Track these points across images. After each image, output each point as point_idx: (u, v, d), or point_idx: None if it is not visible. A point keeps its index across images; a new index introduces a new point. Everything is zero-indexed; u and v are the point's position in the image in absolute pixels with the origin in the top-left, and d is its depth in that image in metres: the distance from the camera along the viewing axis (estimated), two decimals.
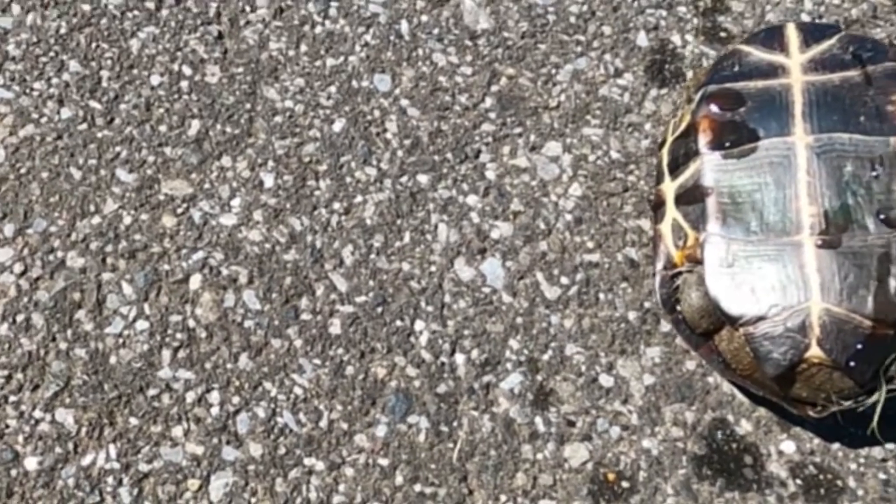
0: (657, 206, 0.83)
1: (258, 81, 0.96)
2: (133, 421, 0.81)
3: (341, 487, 0.79)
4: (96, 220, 0.88)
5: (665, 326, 0.86)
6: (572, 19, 1.01)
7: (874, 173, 0.73)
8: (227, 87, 0.95)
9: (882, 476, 0.81)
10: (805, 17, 1.02)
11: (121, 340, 0.83)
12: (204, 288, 0.86)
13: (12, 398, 0.81)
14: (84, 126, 0.92)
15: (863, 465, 0.82)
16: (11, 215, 0.88)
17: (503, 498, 0.79)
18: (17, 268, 0.86)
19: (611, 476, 0.81)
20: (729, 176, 0.77)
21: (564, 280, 0.88)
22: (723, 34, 1.01)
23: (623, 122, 0.96)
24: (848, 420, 0.81)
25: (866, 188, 0.73)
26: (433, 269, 0.88)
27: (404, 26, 1.00)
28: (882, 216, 0.72)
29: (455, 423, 0.82)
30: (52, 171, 0.90)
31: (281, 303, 0.86)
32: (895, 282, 0.71)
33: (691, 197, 0.79)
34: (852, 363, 0.70)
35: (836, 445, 0.82)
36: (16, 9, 0.97)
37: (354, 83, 0.96)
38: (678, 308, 0.80)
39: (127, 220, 0.88)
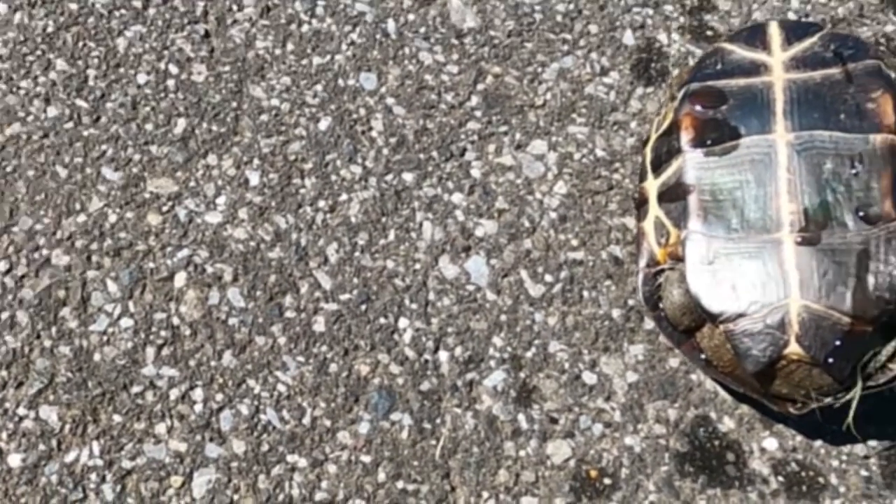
0: (640, 204, 0.83)
1: (244, 80, 0.96)
2: (117, 418, 0.81)
3: (324, 484, 0.79)
4: (82, 218, 0.89)
5: (649, 324, 0.86)
6: (559, 18, 1.01)
7: (854, 171, 0.73)
8: (214, 86, 0.95)
9: (864, 473, 0.81)
10: (792, 16, 1.02)
11: (105, 338, 0.84)
12: (188, 286, 0.86)
13: None
14: (70, 124, 0.93)
15: (845, 462, 0.82)
16: None
17: (485, 495, 0.80)
18: (2, 265, 0.86)
19: (593, 473, 0.81)
20: (710, 173, 0.77)
21: (549, 278, 0.88)
22: (709, 33, 1.01)
23: (609, 120, 0.96)
24: (830, 418, 0.81)
25: (846, 185, 0.73)
26: (417, 266, 0.88)
27: (391, 25, 1.00)
28: (861, 213, 0.72)
29: (438, 421, 0.82)
30: (38, 170, 0.91)
31: (265, 300, 0.86)
32: (873, 279, 0.71)
33: (673, 194, 0.79)
34: (831, 360, 0.70)
35: (818, 443, 0.82)
36: (3, 7, 0.98)
37: (340, 82, 0.97)
38: (661, 305, 0.80)
39: (112, 218, 0.89)
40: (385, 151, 0.93)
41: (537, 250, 0.90)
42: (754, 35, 0.83)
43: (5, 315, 0.84)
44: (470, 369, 0.84)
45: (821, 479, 0.81)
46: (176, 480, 0.79)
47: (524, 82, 0.98)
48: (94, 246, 0.87)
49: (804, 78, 0.78)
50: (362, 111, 0.95)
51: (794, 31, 0.81)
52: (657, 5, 1.02)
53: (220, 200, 0.90)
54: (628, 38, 1.01)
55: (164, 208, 0.90)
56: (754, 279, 0.73)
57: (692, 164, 0.78)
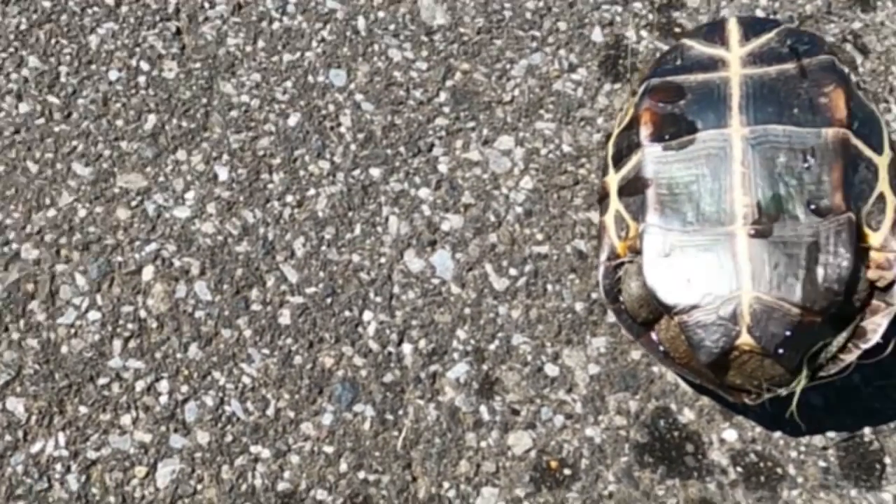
0: (602, 198, 0.84)
1: (215, 76, 0.97)
2: (83, 409, 0.82)
3: (286, 474, 0.80)
4: (51, 212, 0.90)
5: (611, 317, 0.87)
6: (528, 15, 1.02)
7: (806, 164, 0.74)
8: (184, 82, 0.97)
9: (822, 464, 0.82)
10: (760, 13, 1.03)
11: (72, 330, 0.85)
12: (156, 279, 0.87)
13: None
14: (42, 120, 0.94)
15: (803, 453, 0.83)
16: None
17: (446, 485, 0.81)
18: None
19: (553, 464, 0.82)
20: (668, 168, 0.78)
21: (513, 271, 0.89)
22: (677, 30, 1.02)
23: (576, 116, 0.97)
24: (786, 409, 0.82)
25: (798, 179, 0.74)
26: (383, 260, 0.89)
27: (361, 22, 1.01)
28: (812, 206, 0.73)
29: (400, 412, 0.83)
30: (9, 165, 0.92)
31: (232, 294, 0.87)
32: (823, 270, 0.72)
33: (633, 188, 0.80)
34: (781, 350, 0.71)
35: (777, 434, 0.83)
36: None
37: (310, 78, 0.98)
38: (620, 298, 0.81)
39: (82, 212, 0.90)
40: (353, 147, 0.94)
41: (502, 244, 0.91)
42: (713, 31, 0.84)
43: None
44: (433, 361, 0.85)
45: (779, 470, 0.82)
46: (140, 471, 0.80)
47: (492, 79, 0.99)
48: (64, 240, 0.88)
49: (760, 73, 0.79)
50: (331, 107, 0.96)
51: (751, 28, 0.82)
52: (626, 3, 1.03)
53: (189, 195, 0.91)
54: (597, 35, 1.02)
55: (133, 203, 0.91)
56: (708, 271, 0.74)
57: (650, 158, 0.79)
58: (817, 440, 0.83)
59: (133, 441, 0.81)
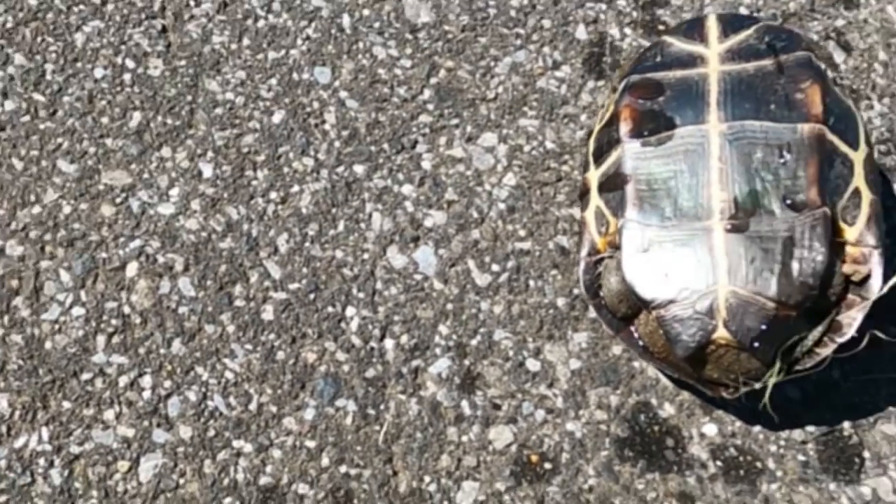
0: (583, 194, 0.85)
1: (200, 74, 0.98)
2: (66, 404, 0.82)
3: (268, 468, 0.81)
4: (36, 209, 0.90)
5: (593, 312, 0.87)
6: (513, 13, 1.03)
7: (782, 160, 0.75)
8: (170, 80, 0.97)
9: (801, 458, 0.83)
10: (744, 11, 1.04)
11: (57, 326, 0.85)
12: (140, 275, 0.88)
13: None
14: (27, 118, 0.94)
15: (783, 447, 0.83)
16: None
17: (427, 479, 0.81)
18: None
19: (534, 458, 0.82)
20: (647, 163, 0.79)
21: (495, 267, 0.90)
22: (661, 27, 1.03)
23: (559, 113, 0.98)
24: (771, 403, 0.83)
25: (774, 174, 0.75)
26: (366, 256, 0.90)
27: (346, 20, 1.01)
28: (788, 201, 0.74)
29: (382, 407, 0.84)
30: None
31: (215, 290, 0.88)
32: (798, 265, 0.72)
33: (612, 184, 0.81)
34: (757, 344, 0.72)
35: (757, 428, 0.84)
36: None
37: (295, 76, 0.98)
38: (601, 293, 0.82)
39: (66, 209, 0.90)
40: (337, 144, 0.95)
41: (485, 240, 0.91)
42: (693, 28, 0.84)
43: None
44: (415, 357, 0.86)
45: (758, 464, 0.83)
46: (123, 465, 0.80)
47: (476, 76, 0.99)
48: (48, 237, 0.89)
49: (738, 69, 0.80)
50: (316, 104, 0.97)
51: (730, 24, 0.83)
52: (610, 0, 1.03)
53: (173, 192, 0.92)
54: (581, 32, 1.02)
55: (118, 200, 0.91)
56: (685, 266, 0.75)
57: (630, 154, 0.80)
58: (797, 434, 0.84)
59: (116, 436, 0.81)
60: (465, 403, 0.84)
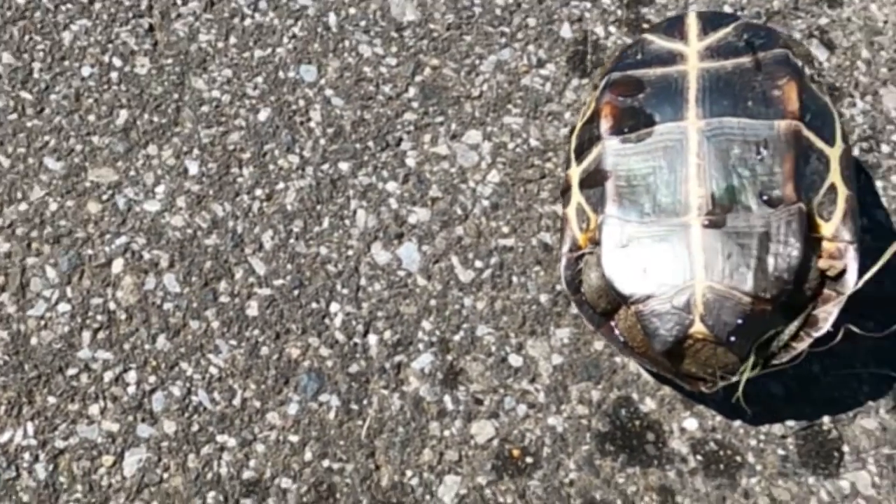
0: (565, 191, 0.85)
1: (187, 72, 0.98)
2: (51, 400, 0.83)
3: (252, 463, 0.82)
4: (23, 206, 0.91)
5: (575, 308, 0.88)
6: (498, 11, 1.03)
7: (759, 156, 0.76)
8: (156, 78, 0.98)
9: (781, 452, 0.84)
10: (727, 9, 1.04)
11: (42, 322, 0.86)
12: (126, 271, 0.89)
13: None
14: (14, 116, 0.95)
15: (763, 441, 0.84)
16: None
17: (409, 473, 0.82)
18: None
19: (515, 452, 0.83)
20: (626, 160, 0.80)
21: (479, 264, 0.91)
22: (645, 25, 1.03)
23: (543, 111, 0.98)
24: (747, 399, 0.83)
25: (751, 170, 0.75)
26: (350, 253, 0.91)
27: (332, 18, 1.02)
28: (764, 197, 0.75)
29: (365, 402, 0.84)
30: None
31: (200, 286, 0.88)
32: (773, 260, 0.73)
33: (593, 181, 0.82)
34: (733, 338, 0.73)
35: (737, 423, 0.85)
36: None
37: (281, 74, 0.99)
38: (582, 289, 0.82)
39: (53, 206, 0.91)
40: (322, 142, 0.96)
41: (469, 237, 0.92)
42: (673, 26, 0.85)
43: None
44: (398, 352, 0.86)
45: (738, 458, 0.83)
46: (107, 459, 0.81)
47: (461, 74, 1.00)
48: (35, 233, 0.90)
49: (716, 67, 0.80)
50: (301, 102, 0.98)
51: (710, 22, 0.83)
52: None
53: (159, 189, 0.92)
54: (566, 30, 1.03)
55: (104, 197, 0.92)
56: (663, 261, 0.75)
57: (610, 151, 0.80)
58: (776, 429, 0.85)
59: (101, 430, 0.82)
60: (447, 398, 0.85)
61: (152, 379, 0.84)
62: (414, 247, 0.91)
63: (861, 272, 0.75)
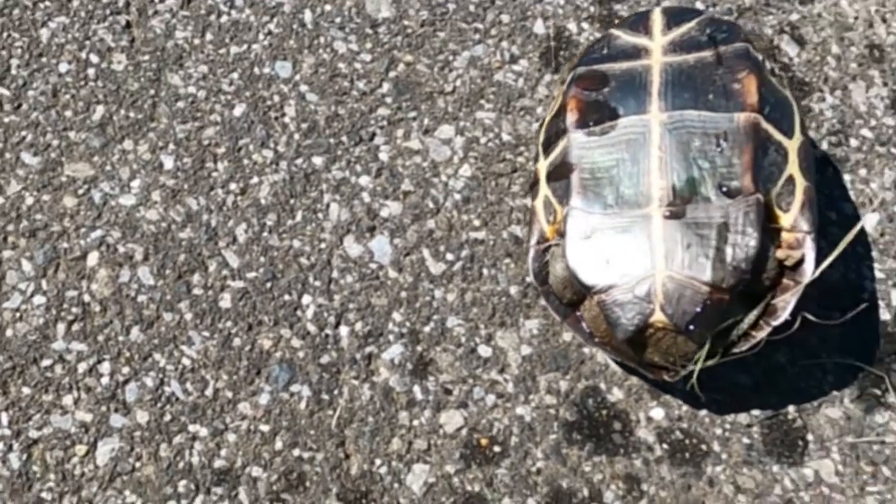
0: (533, 184, 0.87)
1: (163, 68, 1.00)
2: (26, 390, 0.84)
3: (223, 452, 0.83)
4: None
5: (543, 300, 0.89)
6: (472, 8, 1.05)
7: (719, 148, 0.77)
8: (133, 74, 0.99)
9: (746, 441, 0.85)
10: (699, 6, 1.06)
11: (18, 314, 0.87)
12: (101, 265, 0.90)
13: None
14: None
15: (728, 430, 0.85)
16: None
17: (378, 462, 0.83)
18: None
19: (483, 441, 0.84)
20: (591, 153, 0.81)
21: (450, 256, 0.92)
22: (618, 21, 1.04)
23: (516, 106, 1.00)
24: (714, 388, 0.85)
25: (711, 162, 0.77)
26: (323, 246, 0.92)
27: (307, 15, 1.03)
28: (723, 188, 0.76)
29: (336, 392, 0.86)
30: None
31: (174, 278, 0.90)
32: (731, 250, 0.74)
33: (559, 174, 0.83)
34: (692, 327, 0.74)
35: (703, 412, 0.86)
36: None
37: (256, 70, 1.00)
38: (549, 280, 0.83)
39: (29, 200, 0.92)
40: (296, 136, 0.97)
41: (440, 230, 0.93)
42: (638, 21, 0.86)
43: None
44: (369, 343, 0.88)
45: (703, 447, 0.85)
46: (80, 449, 0.82)
47: (435, 70, 1.01)
48: (11, 227, 0.91)
49: (679, 61, 0.82)
50: (276, 98, 0.99)
51: (674, 17, 0.85)
52: None
53: (135, 184, 0.94)
54: (539, 27, 1.04)
55: (80, 191, 0.93)
56: (625, 252, 0.77)
57: (575, 144, 0.82)
58: (742, 418, 0.86)
59: (74, 420, 0.83)
60: (416, 388, 0.86)
61: (126, 370, 0.86)
62: (386, 240, 0.92)
63: (818, 261, 0.76)
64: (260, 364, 0.86)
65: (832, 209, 0.94)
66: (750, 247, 0.74)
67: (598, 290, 0.77)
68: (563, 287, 0.81)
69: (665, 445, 0.84)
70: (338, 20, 1.03)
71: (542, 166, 0.86)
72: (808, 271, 0.76)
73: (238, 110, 0.98)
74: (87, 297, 0.88)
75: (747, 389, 0.87)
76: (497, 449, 0.84)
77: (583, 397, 0.86)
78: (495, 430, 0.85)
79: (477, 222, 0.93)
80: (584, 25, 1.04)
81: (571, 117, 0.83)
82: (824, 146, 0.97)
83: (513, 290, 0.90)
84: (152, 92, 0.98)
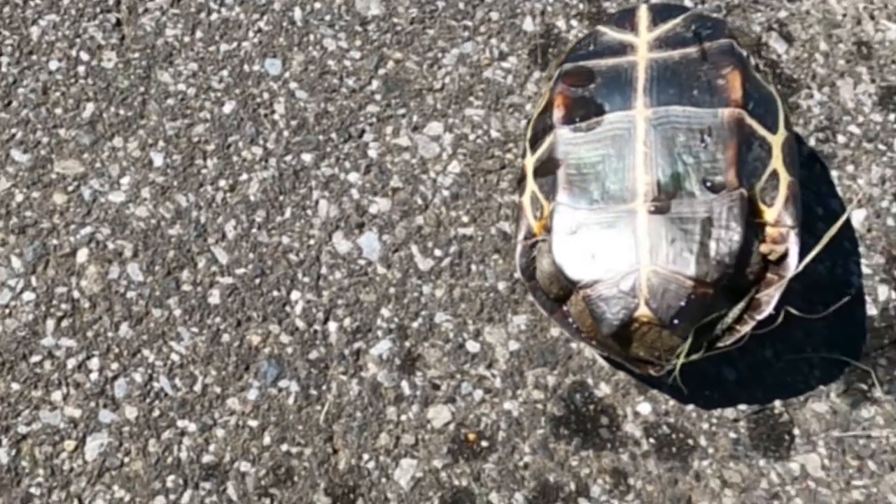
0: (520, 180, 0.87)
1: (153, 66, 1.00)
2: (15, 386, 0.85)
3: (211, 447, 0.83)
4: None
5: (530, 295, 0.89)
6: (461, 5, 1.05)
7: (703, 143, 0.77)
8: (123, 72, 0.99)
9: (732, 435, 0.85)
10: (688, 3, 1.06)
11: (7, 311, 0.88)
12: (90, 261, 0.90)
13: None
14: None
15: (715, 424, 0.86)
16: None
17: (366, 457, 0.83)
18: None
19: (471, 436, 0.85)
20: (577, 149, 0.81)
21: (438, 252, 0.92)
22: (605, 18, 1.05)
23: (505, 103, 1.00)
24: (704, 383, 0.85)
25: (695, 157, 0.77)
26: (312, 242, 0.92)
27: (297, 13, 1.04)
28: (707, 183, 0.76)
29: (324, 387, 0.86)
30: None
31: (163, 275, 0.90)
32: (715, 244, 0.75)
33: (546, 170, 0.83)
34: (676, 321, 0.74)
35: (690, 407, 0.86)
36: None
37: (246, 67, 1.01)
38: (536, 276, 0.84)
39: (19, 197, 0.93)
40: (286, 133, 0.97)
41: (428, 226, 0.93)
42: (624, 17, 0.86)
43: None
44: (357, 339, 0.88)
45: (690, 441, 0.85)
46: (69, 444, 0.83)
47: (424, 67, 1.01)
48: (0, 224, 0.91)
49: (665, 57, 0.82)
50: (266, 95, 0.99)
51: (660, 14, 0.85)
52: None
53: (124, 180, 0.94)
54: (528, 24, 1.04)
55: (70, 188, 0.93)
56: (611, 247, 0.77)
57: (562, 140, 0.82)
58: (729, 412, 0.86)
59: (63, 416, 0.84)
60: (404, 384, 0.86)
61: (115, 366, 0.86)
62: (374, 236, 0.93)
63: (802, 256, 0.77)
64: (248, 360, 0.87)
65: (819, 205, 0.94)
66: (733, 241, 0.74)
67: (583, 285, 0.77)
68: (550, 282, 0.82)
69: (652, 440, 0.85)
70: (327, 18, 1.03)
71: (529, 162, 0.86)
72: (792, 266, 0.76)
73: (228, 107, 0.98)
74: (76, 294, 0.89)
75: (734, 384, 0.87)
76: (484, 444, 0.84)
77: (570, 392, 0.87)
78: (483, 425, 0.85)
79: (465, 218, 0.94)
80: (574, 23, 1.05)
81: (558, 113, 0.83)
82: (812, 142, 0.97)
83: (501, 285, 0.91)
84: (142, 89, 0.99)
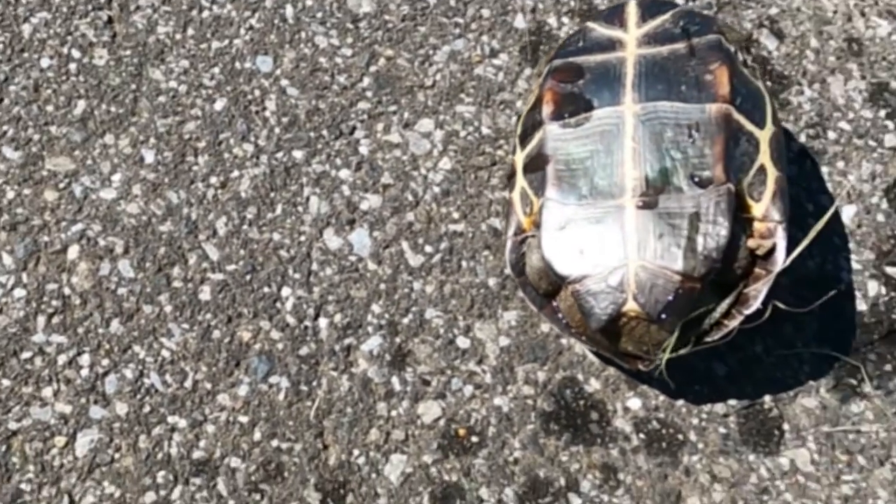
0: (510, 176, 0.87)
1: (145, 63, 1.00)
2: (5, 382, 0.85)
3: (202, 443, 0.83)
4: None
5: (520, 291, 0.90)
6: (452, 2, 1.05)
7: (691, 139, 0.77)
8: (114, 69, 1.00)
9: (722, 430, 0.85)
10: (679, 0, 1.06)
11: None
12: (81, 258, 0.90)
13: None
14: None
15: (705, 420, 0.86)
16: None
17: (356, 452, 0.84)
18: None
19: (461, 431, 0.85)
20: (566, 144, 0.81)
21: (429, 248, 0.92)
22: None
23: (496, 99, 1.00)
24: (694, 378, 0.85)
25: (683, 152, 0.77)
26: (302, 238, 0.92)
27: (289, 10, 1.04)
28: (695, 178, 0.76)
29: (314, 383, 0.86)
30: None
31: (154, 271, 0.90)
32: (702, 239, 0.75)
33: (535, 165, 0.83)
34: (664, 315, 0.74)
35: (680, 402, 0.86)
36: None
37: (237, 64, 1.01)
38: (526, 271, 0.84)
39: (10, 194, 0.93)
40: (277, 130, 0.97)
41: (419, 223, 0.94)
42: (613, 14, 0.87)
43: None
44: (348, 335, 0.88)
45: (680, 436, 0.85)
46: (60, 440, 0.83)
47: (415, 64, 1.02)
48: None
49: (653, 53, 0.82)
50: (257, 92, 0.99)
51: (648, 10, 0.85)
52: None
53: (116, 177, 0.94)
54: (519, 21, 1.05)
55: (61, 185, 0.94)
56: (599, 242, 0.77)
57: (551, 136, 0.82)
58: (719, 408, 0.86)
59: (54, 412, 0.84)
60: (395, 380, 0.87)
61: (105, 362, 0.86)
62: (365, 232, 0.93)
63: (789, 251, 0.77)
64: (239, 356, 0.87)
65: (809, 201, 0.94)
66: (721, 236, 0.74)
67: (572, 280, 0.77)
68: (539, 278, 0.82)
69: (642, 435, 0.85)
70: (319, 15, 1.04)
71: (519, 158, 0.86)
72: (780, 260, 0.76)
73: (219, 104, 0.98)
74: (67, 290, 0.89)
75: (724, 379, 0.87)
76: (475, 439, 0.85)
77: (560, 388, 0.87)
78: (473, 421, 0.85)
79: (456, 215, 0.94)
80: (565, 20, 1.05)
81: (547, 109, 0.84)
82: (802, 139, 0.98)
83: (491, 281, 0.91)
84: (133, 87, 0.99)
